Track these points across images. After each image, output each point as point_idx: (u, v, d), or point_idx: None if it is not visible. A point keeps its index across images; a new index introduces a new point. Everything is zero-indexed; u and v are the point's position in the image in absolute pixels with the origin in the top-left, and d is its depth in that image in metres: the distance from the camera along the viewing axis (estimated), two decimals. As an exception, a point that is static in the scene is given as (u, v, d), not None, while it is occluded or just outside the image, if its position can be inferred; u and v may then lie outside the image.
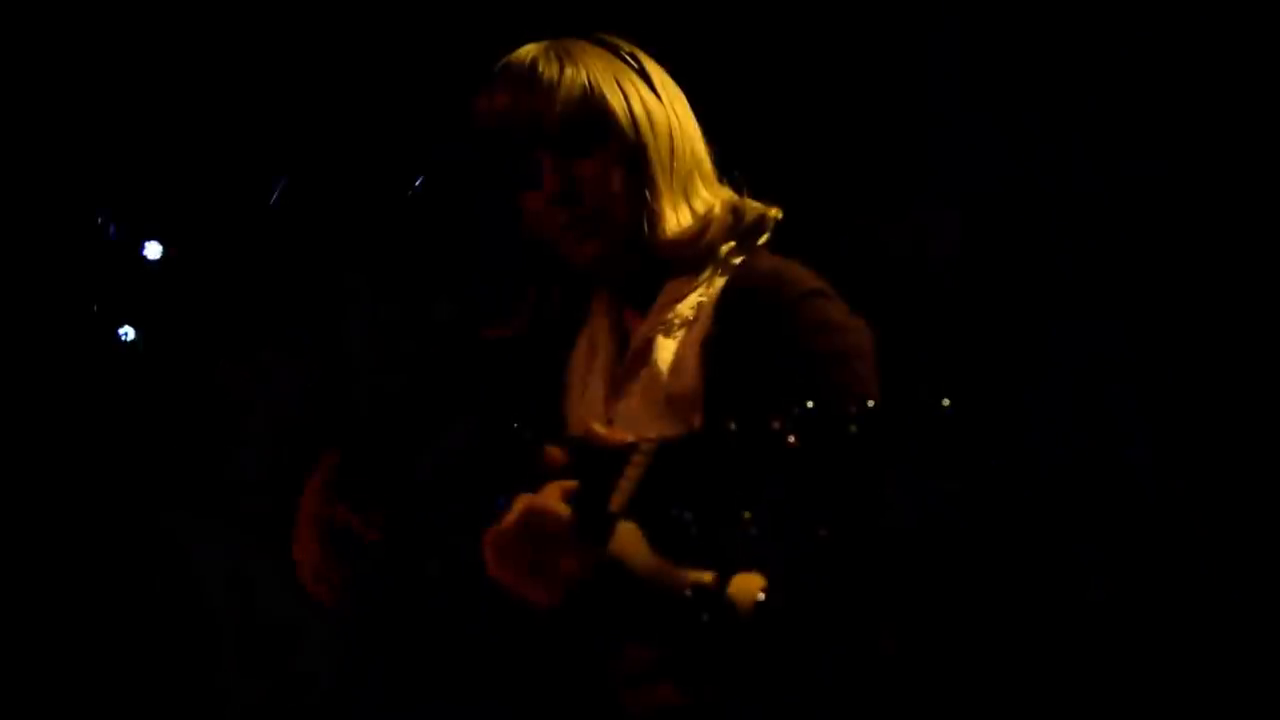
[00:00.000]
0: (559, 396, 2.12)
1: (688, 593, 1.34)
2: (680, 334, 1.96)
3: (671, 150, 2.01)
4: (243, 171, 3.76)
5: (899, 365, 1.87)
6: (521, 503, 1.51)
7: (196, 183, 3.94)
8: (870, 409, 1.12)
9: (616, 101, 1.98)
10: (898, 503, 1.13)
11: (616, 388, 2.01)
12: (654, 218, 1.98)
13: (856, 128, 3.23)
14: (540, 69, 1.98)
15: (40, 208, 3.89)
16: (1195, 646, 2.87)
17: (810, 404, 1.17)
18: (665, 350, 1.95)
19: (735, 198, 2.05)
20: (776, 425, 1.17)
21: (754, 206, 2.04)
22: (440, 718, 2.07)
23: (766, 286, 1.91)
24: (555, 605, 1.47)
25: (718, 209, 2.01)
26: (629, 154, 1.98)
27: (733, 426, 1.21)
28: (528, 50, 2.02)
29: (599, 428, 1.53)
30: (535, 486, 1.56)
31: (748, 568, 1.31)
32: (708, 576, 1.34)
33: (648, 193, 1.98)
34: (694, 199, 2.02)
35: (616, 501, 1.34)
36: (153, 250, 3.98)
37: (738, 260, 2.01)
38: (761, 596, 1.39)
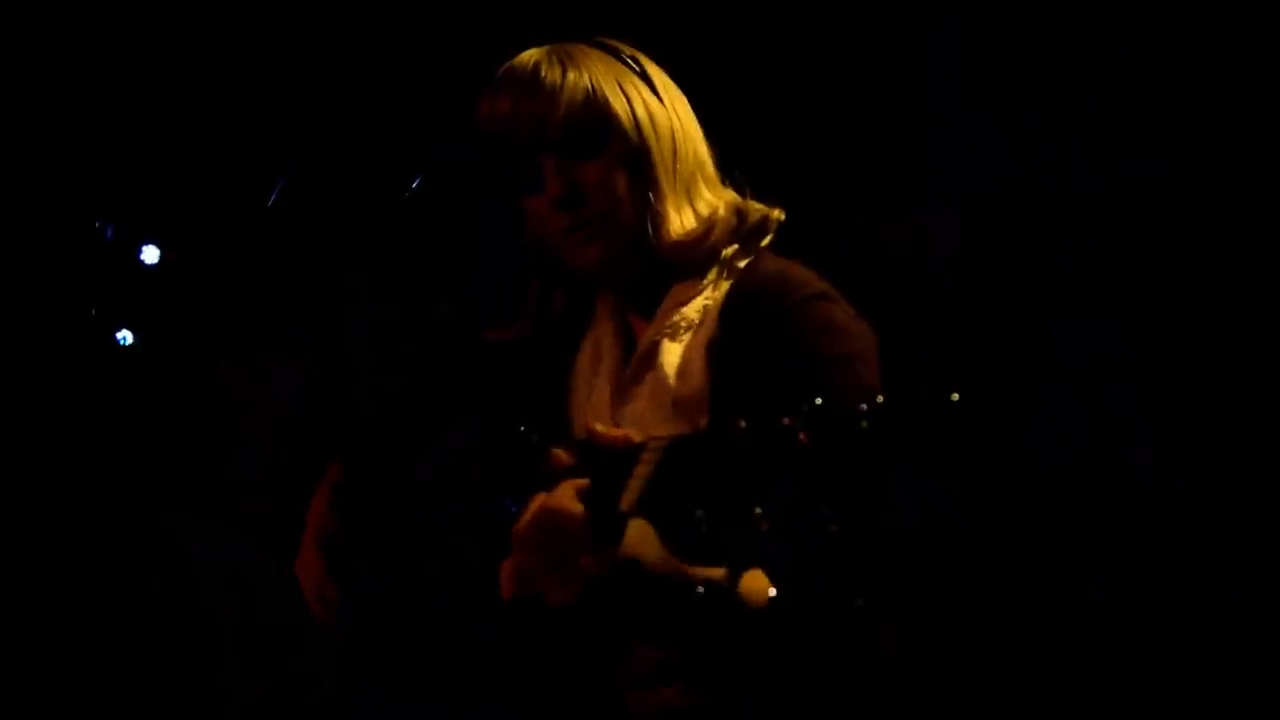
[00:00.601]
0: (564, 400, 2.12)
1: (699, 590, 1.34)
2: (686, 338, 1.97)
3: (674, 152, 2.01)
4: (240, 173, 3.76)
5: (901, 365, 1.87)
6: (538, 500, 1.50)
7: (194, 185, 3.93)
8: (880, 405, 1.12)
9: (619, 104, 1.98)
10: (907, 499, 1.13)
11: (623, 391, 2.02)
12: (657, 220, 1.97)
13: (856, 128, 3.23)
14: (542, 73, 1.98)
15: (38, 211, 3.88)
16: (1195, 646, 2.87)
17: (820, 401, 1.17)
18: (671, 354, 1.96)
19: (738, 199, 2.05)
20: (787, 423, 1.17)
21: (757, 208, 2.04)
22: (443, 719, 2.07)
23: (771, 289, 1.91)
24: (570, 602, 1.46)
25: (721, 210, 2.01)
26: (632, 157, 1.98)
27: (743, 424, 1.21)
28: (530, 54, 2.02)
29: (604, 428, 1.52)
30: (543, 489, 1.56)
31: (759, 565, 1.31)
32: (718, 574, 1.34)
33: (651, 195, 1.98)
34: (697, 201, 2.02)
35: (627, 500, 1.35)
36: (150, 254, 3.98)
37: (742, 263, 2.01)
38: (772, 593, 1.39)
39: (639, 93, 2.01)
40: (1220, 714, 2.84)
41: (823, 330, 1.84)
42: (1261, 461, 2.82)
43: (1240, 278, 2.89)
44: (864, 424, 1.12)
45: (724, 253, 2.01)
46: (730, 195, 2.05)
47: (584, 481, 1.46)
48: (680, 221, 1.99)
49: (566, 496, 1.46)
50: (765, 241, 2.04)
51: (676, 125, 2.02)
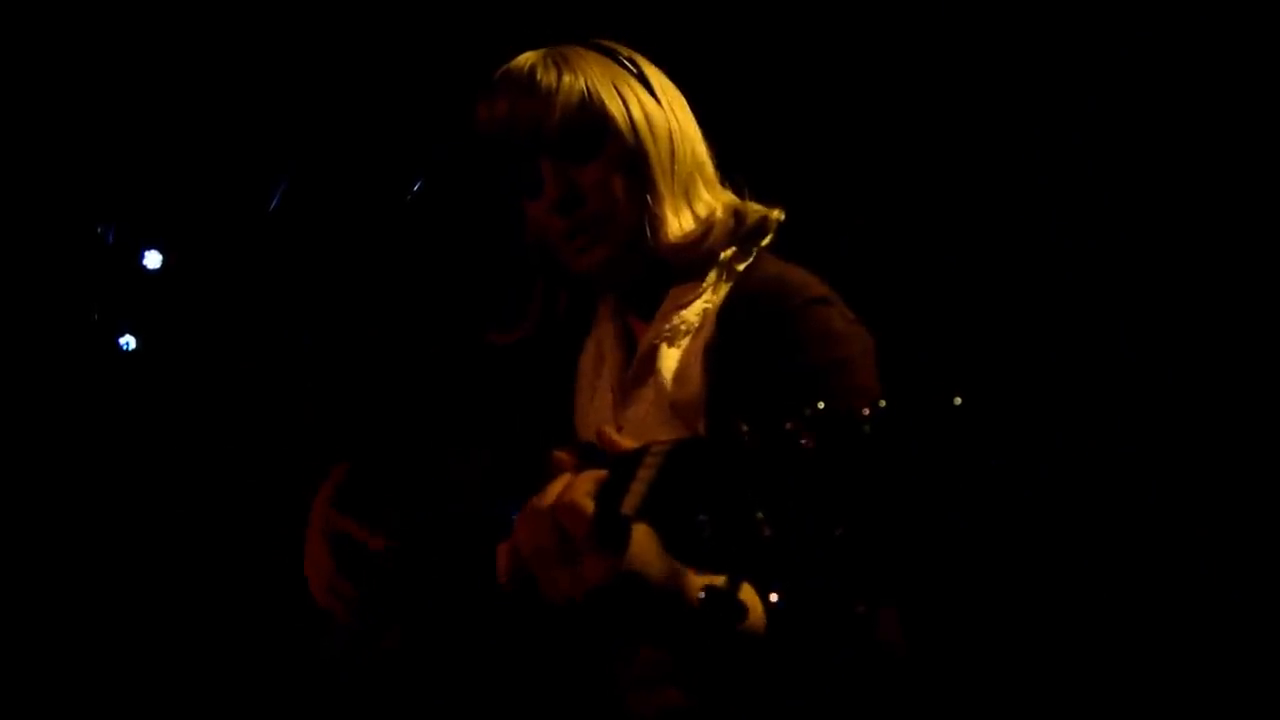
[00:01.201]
0: (567, 403, 2.12)
1: (701, 595, 1.34)
2: (684, 342, 1.97)
3: (672, 154, 2.01)
4: (241, 178, 3.76)
5: (899, 367, 1.87)
6: (553, 487, 1.48)
7: (195, 190, 3.94)
8: (883, 409, 1.12)
9: (615, 107, 1.99)
10: (910, 503, 1.13)
11: (624, 395, 2.02)
12: (655, 222, 1.98)
13: (856, 128, 3.22)
14: (539, 76, 1.98)
15: (40, 217, 3.89)
16: (1195, 646, 2.87)
17: (822, 405, 1.17)
18: (669, 359, 1.96)
19: (737, 200, 2.05)
20: (790, 426, 1.17)
21: (755, 209, 2.04)
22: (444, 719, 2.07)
23: (769, 294, 1.91)
24: (575, 600, 1.45)
25: (719, 212, 2.01)
26: (629, 159, 1.98)
27: (745, 428, 1.21)
28: (526, 58, 2.02)
29: (610, 431, 1.52)
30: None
31: (761, 570, 1.31)
32: (720, 580, 1.34)
33: (649, 197, 1.98)
34: (695, 202, 2.02)
35: (629, 504, 1.34)
36: (152, 259, 3.98)
37: (741, 265, 2.01)
38: (774, 599, 1.39)
39: (636, 95, 2.01)
40: (1220, 714, 2.84)
41: (819, 335, 1.84)
42: (1261, 462, 2.81)
43: (1240, 278, 2.89)
44: (866, 428, 1.12)
45: (722, 255, 2.01)
46: (728, 197, 2.05)
47: (604, 473, 1.44)
48: (678, 223, 1.99)
49: (582, 490, 1.44)
50: (764, 243, 2.04)
51: (674, 127, 2.03)
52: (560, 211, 1.97)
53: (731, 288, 1.98)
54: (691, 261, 2.00)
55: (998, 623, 2.98)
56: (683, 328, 1.97)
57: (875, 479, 1.13)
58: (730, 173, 2.09)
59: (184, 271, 4.00)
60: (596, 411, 2.04)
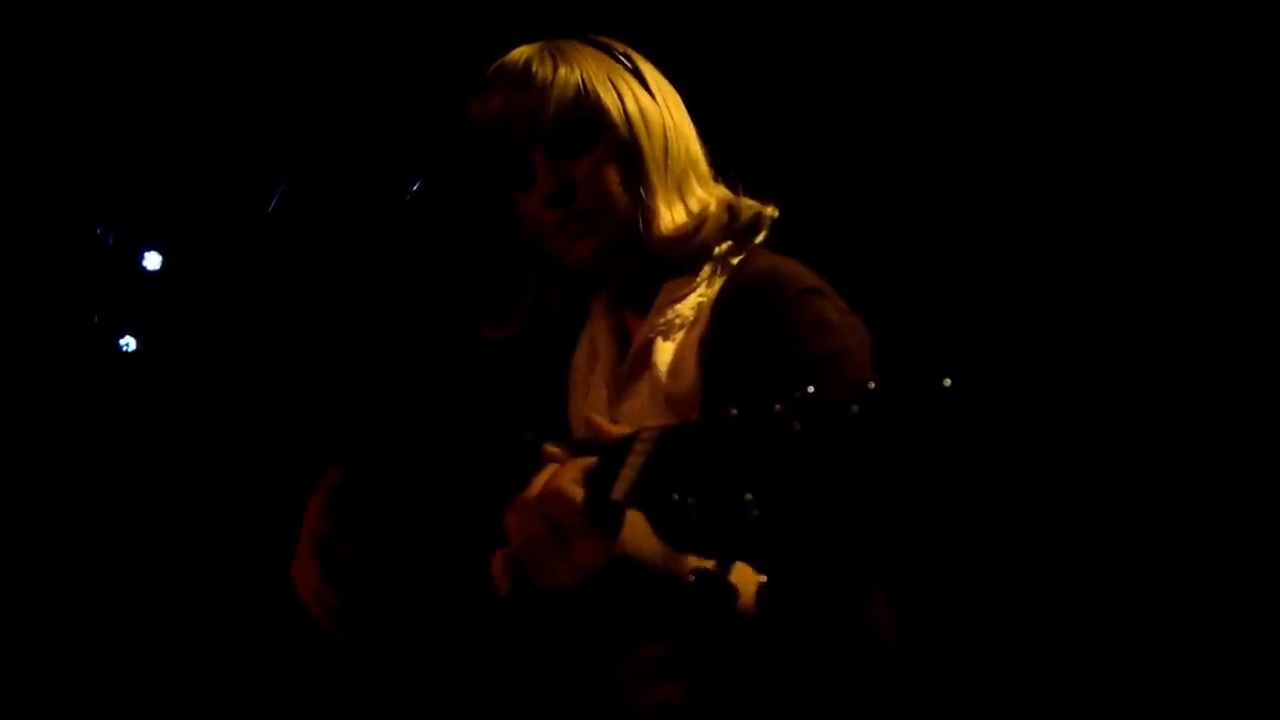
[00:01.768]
0: (561, 397, 2.12)
1: (691, 578, 1.33)
2: (679, 335, 1.96)
3: (666, 149, 2.01)
4: (241, 179, 3.77)
5: (898, 364, 1.87)
6: (544, 475, 1.48)
7: (195, 191, 3.94)
8: (871, 391, 1.12)
9: (610, 101, 1.99)
10: (899, 487, 1.13)
11: (619, 389, 2.01)
12: (649, 216, 1.97)
13: (856, 128, 3.22)
14: (534, 69, 1.98)
15: (40, 218, 3.89)
16: (1195, 646, 2.87)
17: (811, 389, 1.17)
18: (664, 353, 1.95)
19: (731, 196, 2.05)
20: (779, 410, 1.16)
21: (749, 204, 2.04)
22: (445, 718, 2.07)
23: (763, 285, 1.91)
24: (570, 589, 1.44)
25: (713, 207, 2.01)
26: (623, 153, 1.98)
27: (734, 413, 1.21)
28: (521, 51, 2.02)
29: (599, 419, 1.51)
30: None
31: (751, 552, 1.30)
32: (710, 563, 1.34)
33: (642, 191, 1.98)
34: (689, 197, 2.01)
35: (619, 489, 1.34)
36: (152, 260, 3.99)
37: (735, 260, 2.00)
38: (764, 579, 1.39)
39: (630, 89, 2.01)
40: (1220, 714, 2.84)
41: (814, 326, 1.83)
42: (1261, 462, 2.81)
43: (1240, 277, 2.88)
44: (855, 409, 1.12)
45: (717, 249, 2.00)
46: (722, 192, 2.05)
47: (591, 460, 1.44)
48: (671, 217, 1.98)
49: (568, 478, 1.44)
50: (759, 238, 2.04)
51: (668, 121, 2.03)
52: (553, 205, 1.97)
53: (725, 281, 1.97)
54: (685, 255, 1.99)
55: (987, 611, 2.98)
56: (677, 321, 1.97)
57: (864, 461, 1.12)
58: (724, 170, 2.09)
59: (184, 272, 4.00)
60: (591, 407, 2.03)
